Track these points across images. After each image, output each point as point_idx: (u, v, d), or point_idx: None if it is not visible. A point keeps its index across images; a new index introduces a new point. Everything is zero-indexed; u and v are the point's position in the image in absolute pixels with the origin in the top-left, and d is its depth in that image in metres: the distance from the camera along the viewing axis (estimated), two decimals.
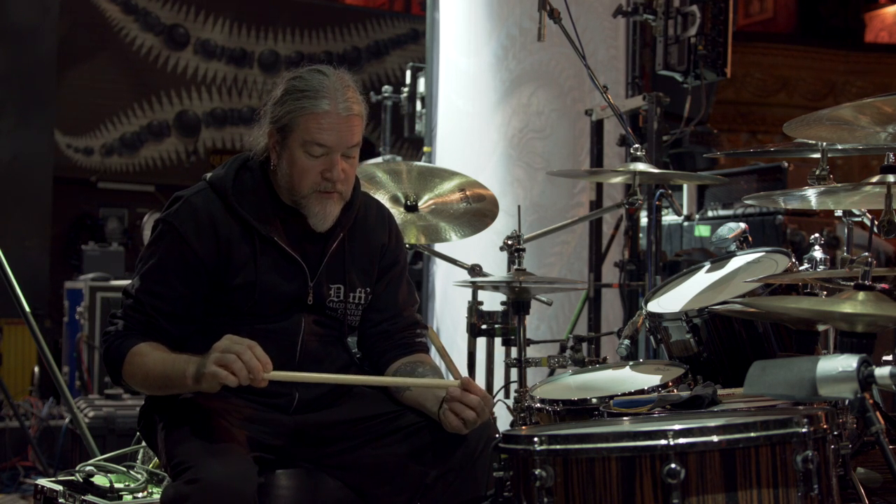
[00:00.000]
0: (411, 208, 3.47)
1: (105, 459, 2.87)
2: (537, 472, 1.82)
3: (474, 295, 3.63)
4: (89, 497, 2.61)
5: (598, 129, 4.54)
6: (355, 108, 2.35)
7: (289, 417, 2.37)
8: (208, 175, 2.45)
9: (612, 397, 2.42)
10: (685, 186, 5.96)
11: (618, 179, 3.74)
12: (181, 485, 2.08)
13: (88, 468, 2.75)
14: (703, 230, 5.74)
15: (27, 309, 4.06)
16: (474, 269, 3.48)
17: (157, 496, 2.60)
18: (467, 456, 2.30)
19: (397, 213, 3.43)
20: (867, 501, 2.03)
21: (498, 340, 3.70)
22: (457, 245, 3.86)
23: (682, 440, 1.74)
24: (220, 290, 2.36)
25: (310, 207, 2.36)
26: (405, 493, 2.35)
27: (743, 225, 3.09)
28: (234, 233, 2.36)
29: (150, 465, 2.82)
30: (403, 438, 2.37)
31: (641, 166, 3.31)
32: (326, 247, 2.43)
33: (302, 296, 2.40)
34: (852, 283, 2.15)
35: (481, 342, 3.74)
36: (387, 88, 7.71)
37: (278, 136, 2.36)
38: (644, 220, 4.44)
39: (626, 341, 2.92)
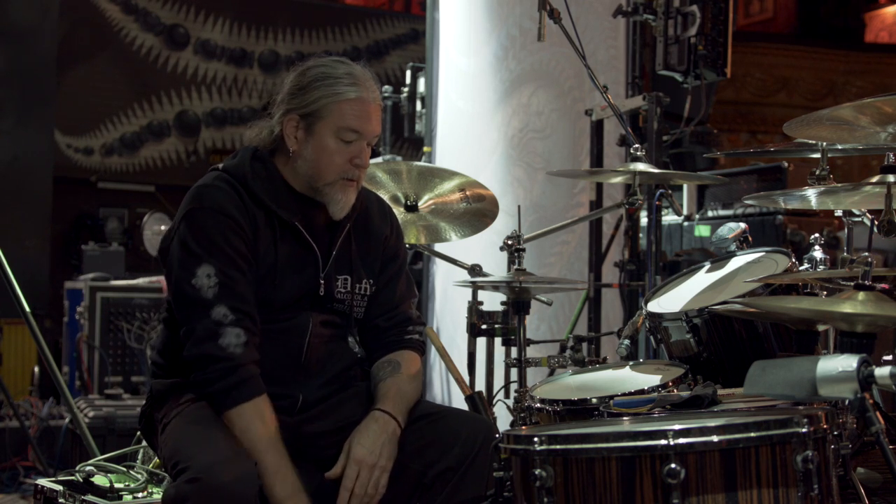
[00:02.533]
0: (411, 208, 3.47)
1: (105, 459, 2.87)
2: (537, 472, 1.82)
3: (474, 295, 3.62)
4: (89, 497, 2.60)
5: (598, 129, 4.54)
6: (379, 99, 2.41)
7: (291, 419, 2.37)
8: (220, 165, 2.43)
9: (612, 397, 2.42)
10: (685, 186, 5.96)
11: (618, 179, 3.74)
12: (182, 485, 2.07)
13: (88, 468, 2.75)
14: (703, 230, 5.74)
15: (27, 309, 4.05)
16: (474, 269, 3.48)
17: (157, 496, 2.59)
18: (465, 455, 2.31)
19: (397, 212, 3.43)
20: (867, 501, 2.03)
21: (498, 340, 3.70)
22: (457, 245, 3.86)
23: (682, 440, 1.74)
24: None
25: (332, 195, 2.37)
26: (404, 493, 2.35)
27: (743, 225, 3.08)
28: (259, 217, 2.35)
29: (150, 465, 2.82)
30: (401, 439, 2.37)
31: (641, 166, 3.31)
32: (335, 238, 2.43)
33: (313, 287, 2.40)
34: (852, 283, 2.15)
35: (481, 342, 3.75)
36: (387, 88, 7.70)
37: (302, 122, 2.35)
38: (644, 220, 4.44)
39: (626, 341, 2.92)
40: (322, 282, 2.41)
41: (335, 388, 2.45)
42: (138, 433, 2.59)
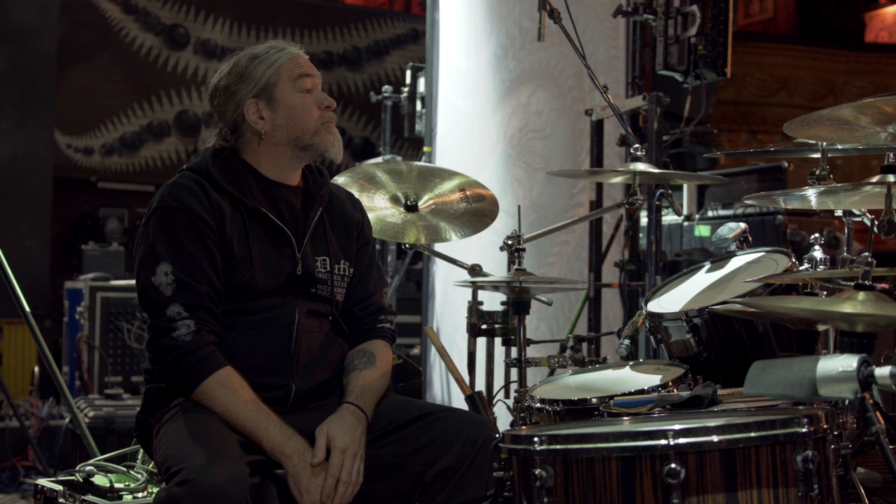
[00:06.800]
0: (411, 208, 3.47)
1: (105, 459, 2.87)
2: (537, 472, 1.82)
3: (474, 295, 3.62)
4: (89, 497, 2.61)
5: (598, 129, 4.54)
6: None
7: (285, 418, 2.37)
8: (184, 166, 2.51)
9: (612, 397, 2.42)
10: (685, 186, 5.97)
11: (618, 179, 3.74)
12: (173, 487, 2.07)
13: (88, 468, 2.75)
14: (703, 230, 5.75)
15: (27, 309, 4.05)
16: (474, 269, 3.48)
17: None
18: (465, 454, 2.31)
19: (397, 212, 3.43)
20: (867, 501, 2.03)
21: (498, 340, 3.69)
22: (457, 245, 3.86)
23: (682, 440, 1.74)
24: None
25: (322, 141, 2.47)
26: (403, 493, 2.36)
27: (743, 225, 3.08)
28: (225, 206, 2.41)
29: (150, 465, 2.82)
30: (400, 438, 2.39)
31: (641, 166, 3.31)
32: (308, 220, 2.49)
33: (291, 267, 2.44)
34: (852, 283, 2.15)
35: (481, 342, 3.74)
36: (387, 88, 7.70)
37: (261, 101, 2.45)
38: (644, 220, 4.43)
39: (626, 341, 2.92)
40: (299, 261, 2.44)
41: (329, 377, 2.47)
42: None
